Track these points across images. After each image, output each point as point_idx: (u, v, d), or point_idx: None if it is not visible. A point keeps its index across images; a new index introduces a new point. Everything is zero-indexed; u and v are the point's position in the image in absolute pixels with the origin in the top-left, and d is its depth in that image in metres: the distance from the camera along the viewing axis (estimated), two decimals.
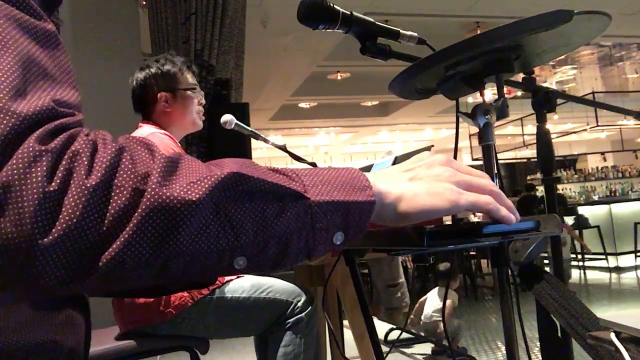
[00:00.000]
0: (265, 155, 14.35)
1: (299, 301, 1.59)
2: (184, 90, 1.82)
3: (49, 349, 0.59)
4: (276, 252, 0.48)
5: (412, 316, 3.70)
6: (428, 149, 1.21)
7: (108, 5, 4.26)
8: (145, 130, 1.72)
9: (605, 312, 1.55)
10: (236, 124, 1.66)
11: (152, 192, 0.42)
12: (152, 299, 1.51)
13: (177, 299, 1.52)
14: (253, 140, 2.05)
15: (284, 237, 0.47)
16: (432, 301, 3.61)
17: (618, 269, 7.92)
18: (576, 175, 12.59)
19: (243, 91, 4.34)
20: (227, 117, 1.64)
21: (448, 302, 3.47)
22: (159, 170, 0.44)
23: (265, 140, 1.71)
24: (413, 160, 0.59)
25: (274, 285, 1.60)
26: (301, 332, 1.57)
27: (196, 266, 0.45)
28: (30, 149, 0.40)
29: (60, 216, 0.40)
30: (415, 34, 1.01)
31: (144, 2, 4.49)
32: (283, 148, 1.71)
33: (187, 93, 1.82)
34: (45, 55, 0.47)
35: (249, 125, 1.74)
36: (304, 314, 1.59)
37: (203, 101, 1.88)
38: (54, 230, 0.39)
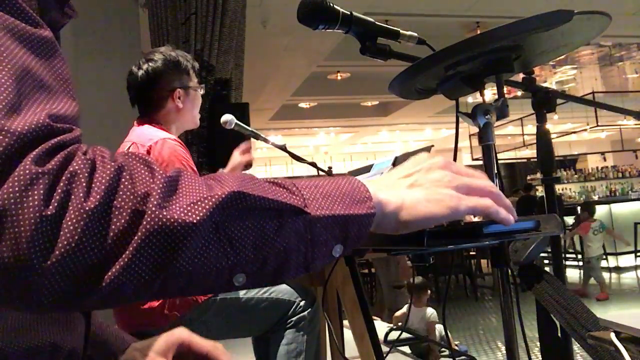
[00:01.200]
0: (265, 155, 14.33)
1: (301, 301, 1.60)
2: (194, 88, 1.78)
3: (48, 351, 0.59)
4: (275, 268, 0.48)
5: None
6: (428, 149, 1.20)
7: (108, 5, 4.26)
8: (153, 133, 1.63)
9: (605, 312, 1.55)
10: (236, 124, 1.66)
11: (152, 215, 0.42)
12: (156, 304, 1.49)
13: (182, 301, 1.51)
14: (253, 140, 2.05)
15: (284, 252, 0.47)
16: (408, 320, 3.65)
17: (618, 269, 7.93)
18: (576, 175, 12.59)
19: (243, 91, 4.33)
20: (227, 117, 1.65)
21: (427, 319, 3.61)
22: (158, 190, 0.43)
23: (266, 140, 1.71)
24: (412, 164, 0.59)
25: (276, 286, 1.60)
26: (303, 330, 1.57)
27: (195, 285, 0.45)
28: (27, 171, 0.39)
29: (59, 240, 0.39)
30: (415, 34, 1.01)
31: (144, 2, 4.48)
32: (283, 148, 1.71)
33: (197, 92, 1.79)
34: (41, 65, 0.45)
35: (249, 125, 1.74)
36: (306, 312, 1.59)
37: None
38: (52, 255, 0.39)
